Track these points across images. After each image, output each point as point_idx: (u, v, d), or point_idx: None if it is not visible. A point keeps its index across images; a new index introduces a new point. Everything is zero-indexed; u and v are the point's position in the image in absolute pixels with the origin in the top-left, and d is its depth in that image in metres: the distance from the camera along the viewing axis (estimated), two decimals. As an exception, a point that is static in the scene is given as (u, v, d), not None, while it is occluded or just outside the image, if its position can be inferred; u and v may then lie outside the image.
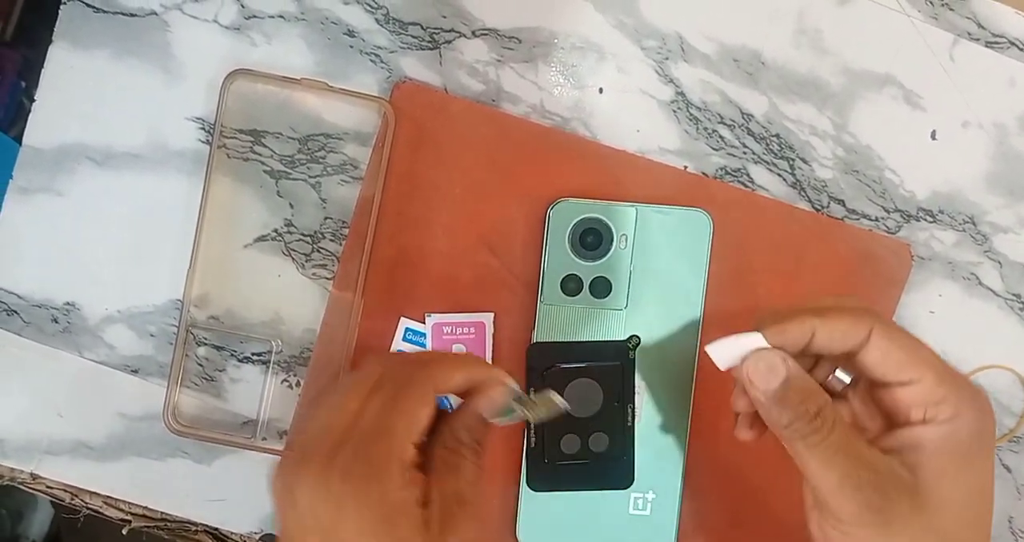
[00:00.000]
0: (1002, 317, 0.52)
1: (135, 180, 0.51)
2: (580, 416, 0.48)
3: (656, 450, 0.49)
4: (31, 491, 0.52)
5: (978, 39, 0.51)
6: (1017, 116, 0.51)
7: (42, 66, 0.51)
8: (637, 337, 0.49)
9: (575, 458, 0.48)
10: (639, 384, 0.49)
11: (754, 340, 0.38)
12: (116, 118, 0.51)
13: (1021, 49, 0.51)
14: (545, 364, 0.48)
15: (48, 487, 0.52)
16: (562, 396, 0.44)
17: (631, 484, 0.49)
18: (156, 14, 0.51)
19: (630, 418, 0.48)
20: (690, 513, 0.50)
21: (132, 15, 0.51)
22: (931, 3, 0.51)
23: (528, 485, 0.49)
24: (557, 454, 0.48)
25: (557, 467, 0.48)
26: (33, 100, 0.51)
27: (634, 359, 0.48)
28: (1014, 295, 0.52)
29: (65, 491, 0.52)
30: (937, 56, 0.51)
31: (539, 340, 0.49)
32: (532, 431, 0.48)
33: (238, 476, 0.51)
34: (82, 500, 0.52)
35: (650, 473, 0.49)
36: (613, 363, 0.48)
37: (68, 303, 0.51)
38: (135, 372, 0.51)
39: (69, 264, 0.51)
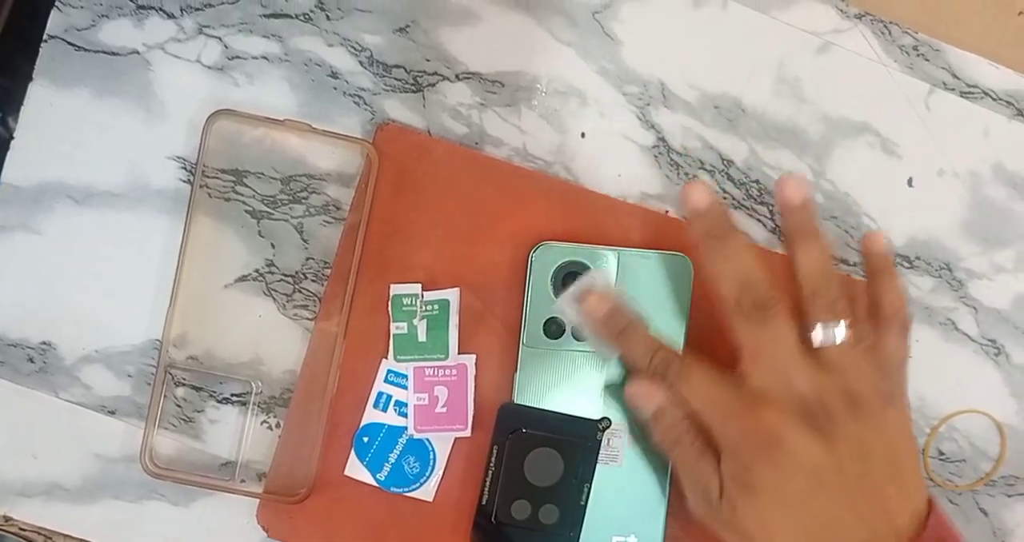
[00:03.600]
0: (978, 362, 0.52)
1: (114, 219, 0.50)
2: (537, 484, 0.48)
3: (638, 493, 0.49)
4: (3, 533, 0.51)
5: (953, 89, 0.52)
6: (991, 165, 0.52)
7: (20, 97, 0.50)
8: (608, 419, 0.49)
9: (522, 524, 0.48)
10: (621, 424, 0.49)
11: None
12: (96, 157, 0.50)
13: (995, 99, 0.52)
14: (513, 426, 0.48)
15: (21, 529, 0.51)
16: (523, 462, 0.47)
17: None
18: (138, 53, 0.51)
19: (584, 497, 0.48)
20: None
21: (114, 54, 0.51)
22: (907, 53, 0.52)
23: (471, 539, 0.49)
24: (506, 516, 0.48)
25: (502, 529, 0.48)
26: (10, 129, 0.50)
27: (601, 440, 0.49)
28: (989, 340, 0.52)
29: (39, 534, 0.51)
30: (913, 105, 0.52)
31: (517, 400, 0.49)
32: (487, 487, 0.48)
33: (216, 519, 0.51)
34: (55, 543, 0.51)
35: (631, 516, 0.49)
36: (580, 440, 0.48)
37: (44, 342, 0.50)
38: (112, 413, 0.50)
39: (46, 303, 0.51)
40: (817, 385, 0.42)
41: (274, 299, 0.51)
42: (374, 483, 0.50)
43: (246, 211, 0.50)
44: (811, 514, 0.42)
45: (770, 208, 0.52)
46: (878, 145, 0.52)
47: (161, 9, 0.51)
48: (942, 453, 0.52)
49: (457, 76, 0.51)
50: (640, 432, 0.49)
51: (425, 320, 0.49)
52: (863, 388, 0.43)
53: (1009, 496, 0.52)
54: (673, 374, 0.45)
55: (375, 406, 0.50)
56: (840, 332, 0.43)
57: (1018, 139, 0.52)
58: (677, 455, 0.45)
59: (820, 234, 0.44)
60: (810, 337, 0.43)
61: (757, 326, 0.43)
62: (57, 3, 0.50)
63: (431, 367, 0.49)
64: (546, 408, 0.49)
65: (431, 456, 0.50)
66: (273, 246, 0.50)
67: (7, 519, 0.51)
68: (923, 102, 0.52)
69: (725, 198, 0.51)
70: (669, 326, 0.49)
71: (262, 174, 0.50)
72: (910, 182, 0.52)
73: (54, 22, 0.50)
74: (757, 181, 0.52)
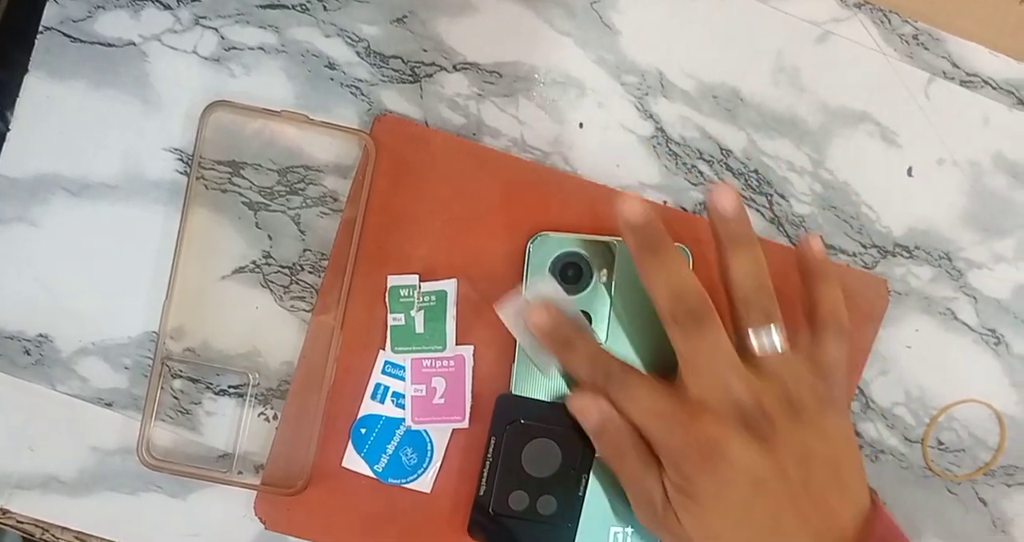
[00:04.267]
0: (977, 352, 0.52)
1: (111, 211, 0.50)
2: (534, 475, 0.48)
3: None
4: (1, 526, 0.51)
5: (953, 78, 0.52)
6: (991, 154, 0.52)
7: (15, 89, 0.50)
8: None
9: (520, 515, 0.48)
10: None
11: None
12: (92, 148, 0.50)
13: (995, 88, 0.52)
14: (511, 417, 0.48)
15: (18, 522, 0.51)
16: (521, 453, 0.47)
17: None
18: (135, 44, 0.50)
19: (582, 488, 0.48)
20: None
21: (110, 45, 0.50)
22: (907, 42, 0.51)
23: (468, 531, 0.48)
24: (503, 507, 0.48)
25: (500, 521, 0.48)
26: (6, 121, 0.50)
27: None
28: (989, 330, 0.52)
29: (36, 526, 0.51)
30: (913, 94, 0.52)
31: (515, 391, 0.48)
32: (484, 478, 0.48)
33: (213, 511, 0.51)
34: (53, 535, 0.51)
35: (629, 507, 0.49)
36: (578, 430, 0.48)
37: (41, 335, 0.50)
38: (109, 405, 0.50)
39: (42, 295, 0.50)
40: (755, 392, 0.42)
41: (271, 291, 0.50)
42: (372, 475, 0.49)
43: (243, 203, 0.50)
44: (755, 521, 0.42)
45: (768, 198, 0.51)
46: (877, 134, 0.52)
47: (157, 0, 0.50)
48: (941, 443, 0.52)
49: (455, 67, 0.51)
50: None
51: (423, 311, 0.49)
52: (802, 393, 0.43)
53: (1009, 486, 0.52)
54: (615, 386, 0.44)
55: (372, 398, 0.49)
56: (775, 337, 0.43)
57: (1018, 128, 0.52)
58: (621, 467, 0.45)
59: (753, 242, 0.44)
60: (747, 344, 0.43)
61: (693, 336, 0.43)
62: (53, -6, 0.50)
63: (429, 358, 0.49)
64: (544, 399, 0.48)
65: (428, 447, 0.49)
66: (270, 238, 0.50)
67: (4, 512, 0.51)
68: (923, 91, 0.52)
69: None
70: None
71: (259, 165, 0.50)
72: (910, 171, 0.52)
73: (50, 13, 0.50)
74: (756, 171, 0.51)
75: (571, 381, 0.48)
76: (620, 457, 0.45)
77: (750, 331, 0.43)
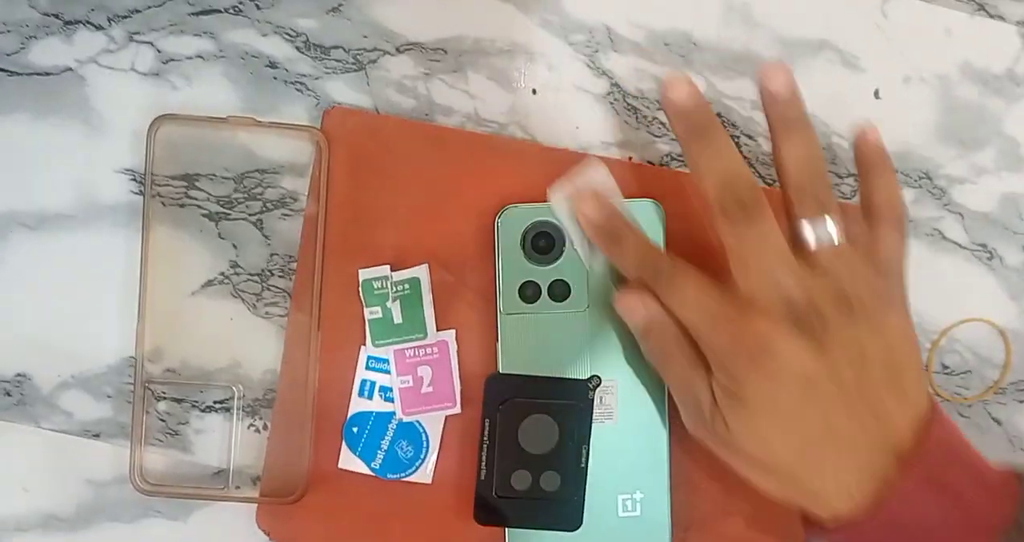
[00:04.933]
0: (970, 269, 0.51)
1: (71, 241, 0.49)
2: (534, 452, 0.47)
3: (637, 447, 0.48)
4: (6, 572, 0.50)
5: (908, -8, 0.50)
6: (958, 65, 0.50)
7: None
8: (598, 377, 0.47)
9: (524, 495, 0.47)
10: (611, 380, 0.48)
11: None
12: (44, 180, 0.50)
13: (952, -3, 0.50)
14: (503, 396, 0.47)
15: (23, 565, 0.50)
16: (517, 431, 0.46)
17: (579, 526, 0.47)
18: (71, 70, 0.50)
19: (584, 459, 0.47)
20: (681, 507, 0.48)
21: (47, 74, 0.50)
22: (854, -38, 0.50)
23: (475, 517, 0.47)
24: (507, 489, 0.47)
25: (505, 502, 0.47)
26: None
27: (593, 399, 0.47)
28: (980, 245, 0.50)
29: (42, 568, 0.51)
30: (869, 15, 0.50)
31: (502, 369, 0.47)
32: (483, 462, 0.47)
33: (216, 529, 0.50)
34: (61, 574, 0.51)
35: (635, 472, 0.48)
36: (571, 402, 0.47)
37: (19, 374, 0.50)
38: (96, 436, 0.50)
39: (14, 335, 0.50)
40: (807, 288, 0.40)
41: (243, 300, 0.49)
42: (370, 473, 0.49)
43: (202, 215, 0.49)
44: (806, 424, 0.40)
45: (736, 140, 0.50)
46: (838, 60, 0.50)
47: (88, 22, 0.50)
48: (946, 367, 0.51)
49: (398, 49, 0.50)
50: (631, 385, 0.47)
51: (398, 301, 0.48)
52: (859, 290, 0.40)
53: (1021, 402, 0.51)
54: (663, 283, 0.42)
55: (360, 395, 0.49)
56: (830, 229, 0.40)
57: (982, 35, 0.50)
58: (667, 369, 0.43)
59: (808, 126, 0.41)
60: (800, 235, 0.41)
61: (742, 227, 0.40)
62: (-19, 29, 0.49)
63: (411, 348, 0.48)
64: (533, 374, 0.47)
65: (423, 438, 0.48)
66: (235, 247, 0.49)
67: (8, 556, 0.50)
68: (879, 10, 0.50)
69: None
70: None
71: (213, 175, 0.49)
72: (877, 94, 0.50)
73: (-20, 50, 0.49)
74: (719, 114, 0.50)
75: (616, 278, 0.46)
76: (666, 358, 0.43)
77: (803, 222, 0.41)
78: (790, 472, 0.41)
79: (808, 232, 0.41)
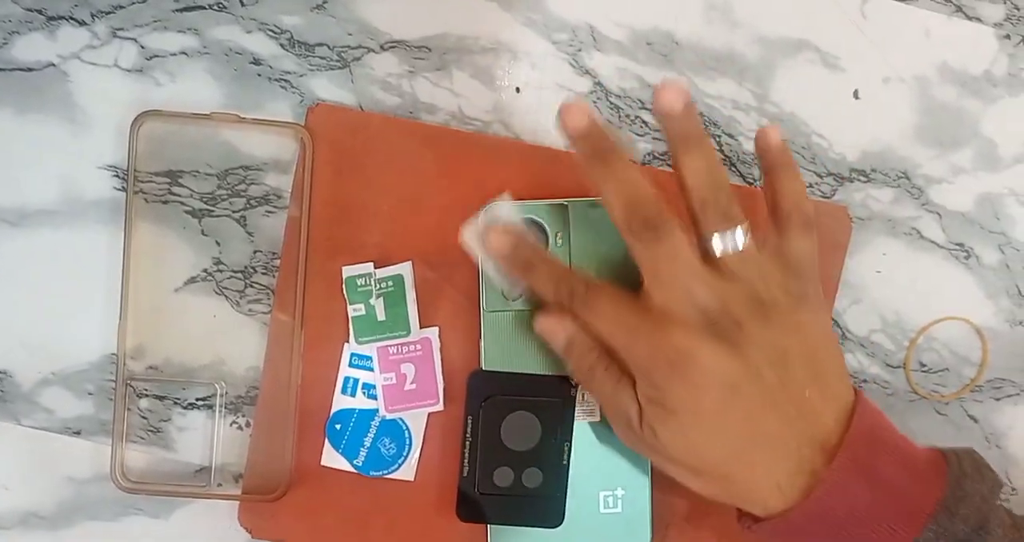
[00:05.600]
0: (948, 268, 0.51)
1: (54, 237, 0.49)
2: (516, 449, 0.47)
3: (619, 445, 0.48)
4: (-14, 570, 0.50)
5: (887, -6, 0.51)
6: (936, 66, 0.51)
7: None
8: None
9: (507, 492, 0.47)
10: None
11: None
12: (26, 176, 0.49)
13: (931, -1, 0.51)
14: (485, 393, 0.47)
15: (4, 563, 0.50)
16: (500, 428, 0.46)
17: (561, 522, 0.48)
18: (54, 65, 0.49)
19: (566, 456, 0.47)
20: (662, 504, 0.49)
21: (29, 70, 0.49)
22: (835, -37, 0.50)
23: (457, 514, 0.47)
24: (489, 485, 0.47)
25: (487, 499, 0.47)
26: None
27: (575, 396, 0.47)
28: (957, 244, 0.51)
29: (22, 565, 0.50)
30: (849, 15, 0.51)
31: (485, 366, 0.48)
32: (466, 459, 0.47)
33: (198, 526, 0.50)
34: (42, 572, 0.50)
35: (616, 469, 0.48)
36: (554, 399, 0.47)
37: (0, 371, 0.49)
38: (77, 434, 0.49)
39: (-5, 331, 0.49)
40: (720, 295, 0.40)
41: (227, 297, 0.49)
42: (352, 470, 0.49)
43: (186, 211, 0.49)
44: (733, 428, 0.41)
45: (717, 139, 0.50)
46: (819, 60, 0.51)
47: (71, 18, 0.49)
48: (924, 365, 0.51)
49: (382, 46, 0.50)
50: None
51: (382, 298, 0.48)
52: (772, 291, 0.41)
53: (997, 399, 0.51)
54: (579, 302, 0.43)
55: (343, 392, 0.49)
56: (739, 238, 0.41)
57: (960, 36, 0.51)
58: (593, 385, 0.44)
59: (705, 140, 0.42)
60: (708, 247, 0.41)
61: (651, 244, 0.41)
62: (-38, 25, 0.49)
63: (394, 345, 0.48)
64: (516, 371, 0.47)
65: (406, 435, 0.49)
66: (218, 244, 0.49)
67: (-12, 554, 0.50)
68: (859, 11, 0.51)
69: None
70: (629, 270, 0.48)
71: (197, 172, 0.49)
72: (856, 94, 0.51)
73: (-38, 45, 0.49)
74: (701, 114, 0.50)
75: (537, 303, 0.47)
76: (591, 375, 0.44)
77: (714, 234, 0.41)
78: (721, 474, 0.41)
79: (716, 243, 0.41)
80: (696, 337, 0.40)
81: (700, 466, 0.42)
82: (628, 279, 0.47)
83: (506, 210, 0.46)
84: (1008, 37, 0.51)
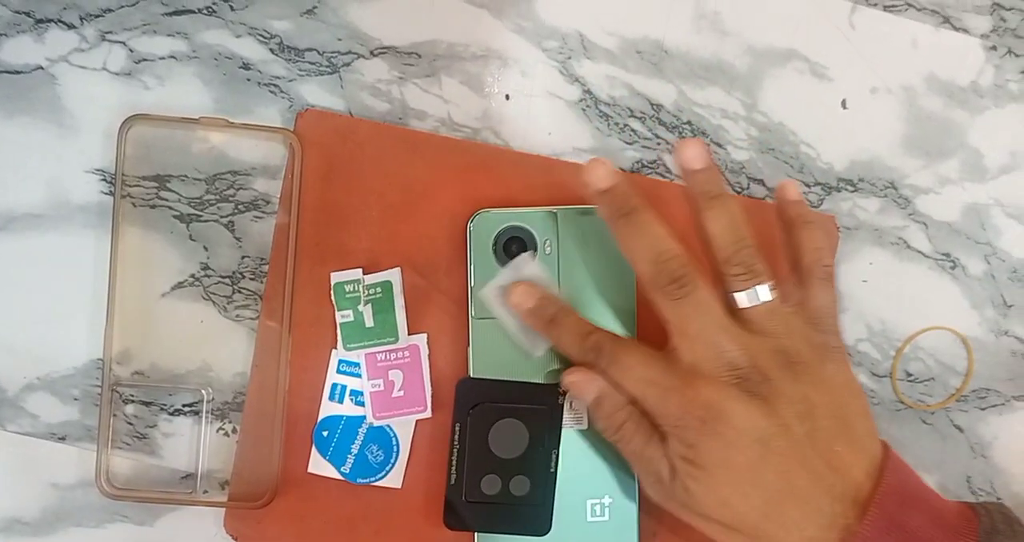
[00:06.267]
0: (934, 278, 0.51)
1: (40, 241, 0.49)
2: (503, 457, 0.47)
3: (607, 453, 0.48)
4: (-31, 576, 0.50)
5: (875, 4, 0.51)
6: (924, 77, 0.51)
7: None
8: None
9: (494, 500, 0.47)
10: None
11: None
12: (13, 179, 0.49)
13: (919, 9, 0.51)
14: (473, 401, 0.47)
15: (-13, 570, 0.50)
16: (487, 436, 0.46)
17: (548, 531, 0.47)
18: (42, 68, 0.49)
19: (554, 464, 0.47)
20: (649, 513, 0.49)
21: (17, 72, 0.49)
22: (824, -26, 0.51)
23: (444, 522, 0.47)
24: (476, 493, 0.47)
25: (475, 507, 0.47)
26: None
27: (563, 404, 0.47)
28: (943, 255, 0.51)
29: (5, 572, 0.50)
30: (837, 25, 0.51)
31: (473, 373, 0.47)
32: (454, 467, 0.47)
33: (183, 533, 0.49)
34: (25, 578, 0.50)
35: (604, 477, 0.48)
36: (542, 407, 0.47)
37: (-16, 376, 0.49)
38: (62, 439, 0.49)
39: (-20, 336, 0.49)
40: (748, 350, 0.41)
41: (214, 302, 0.49)
42: (339, 477, 0.48)
43: (173, 216, 0.49)
44: (765, 483, 0.41)
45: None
46: (807, 70, 0.51)
47: (60, 21, 0.49)
48: (910, 374, 0.51)
49: (372, 52, 0.50)
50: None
51: (370, 305, 0.48)
52: (797, 345, 0.42)
53: (983, 409, 0.52)
54: (606, 358, 0.43)
55: (331, 398, 0.48)
56: (764, 293, 0.42)
57: (947, 47, 0.51)
58: (623, 442, 0.44)
59: (726, 195, 0.43)
60: (733, 302, 0.42)
61: (678, 301, 0.41)
62: (-50, 27, 0.49)
63: (382, 352, 0.48)
64: (504, 378, 0.47)
65: (394, 442, 0.48)
66: (206, 249, 0.49)
67: (-29, 560, 0.50)
68: (847, 21, 0.51)
69: (659, 143, 0.50)
70: (618, 278, 0.48)
71: (185, 176, 0.49)
72: (844, 104, 0.51)
73: (-51, 47, 0.49)
74: (689, 123, 0.50)
75: (564, 358, 0.47)
76: (619, 431, 0.44)
77: (736, 289, 0.42)
78: (754, 530, 0.41)
79: (743, 298, 0.42)
80: (726, 393, 0.41)
81: (733, 522, 0.41)
82: (617, 287, 0.47)
83: (530, 265, 0.46)
84: (995, 48, 0.51)
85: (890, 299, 0.51)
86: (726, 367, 0.41)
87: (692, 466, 0.41)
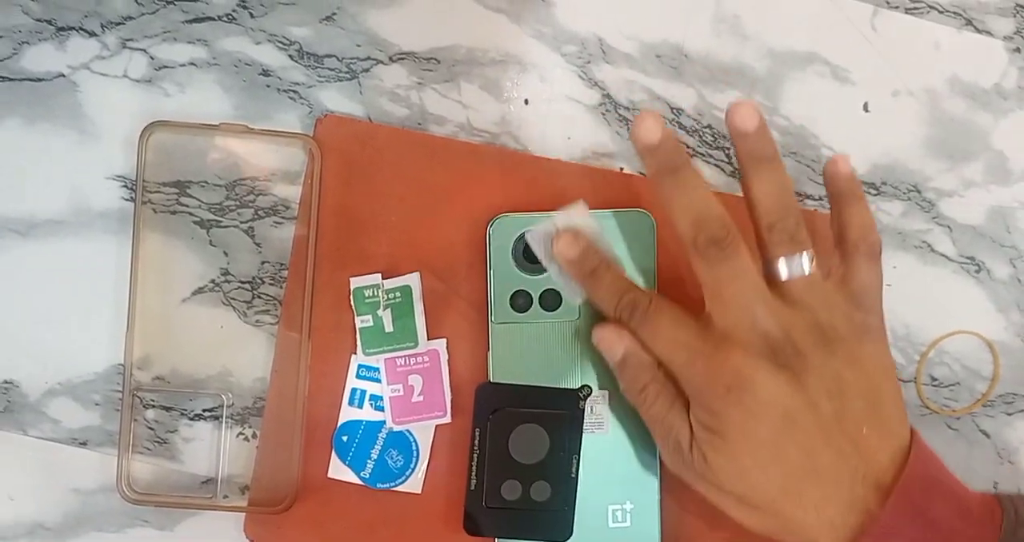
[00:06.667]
0: (958, 281, 0.51)
1: (61, 247, 0.49)
2: (524, 462, 0.47)
3: (628, 458, 0.48)
4: (-8, 581, 0.50)
5: (897, 7, 0.51)
6: (947, 79, 0.51)
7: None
8: (589, 387, 0.47)
9: (514, 505, 0.47)
10: (602, 390, 0.48)
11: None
12: (35, 186, 0.49)
13: (941, 12, 0.51)
14: (493, 406, 0.47)
15: (9, 575, 0.50)
16: (507, 441, 0.46)
17: (569, 536, 0.47)
18: (64, 75, 0.49)
19: (574, 469, 0.47)
20: (670, 518, 0.48)
21: (39, 80, 0.49)
22: (845, -24, 0.50)
23: (464, 527, 0.47)
24: (497, 499, 0.47)
25: (495, 512, 0.47)
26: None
27: (583, 409, 0.47)
28: (968, 258, 0.51)
29: (27, 577, 0.50)
30: (859, 28, 0.51)
31: (493, 378, 0.47)
32: (474, 472, 0.47)
33: (203, 538, 0.49)
34: (47, 584, 0.50)
35: (625, 483, 0.48)
36: (562, 411, 0.47)
37: (6, 381, 0.49)
38: (84, 444, 0.49)
39: (2, 341, 0.49)
40: (783, 321, 0.40)
41: (234, 308, 0.49)
42: (359, 482, 0.48)
43: (194, 222, 0.49)
44: (786, 458, 0.40)
45: (726, 152, 0.50)
46: (828, 73, 0.50)
47: (81, 29, 0.49)
48: (935, 379, 0.51)
49: (391, 58, 0.50)
50: (622, 395, 0.47)
51: (389, 309, 0.48)
52: (835, 321, 0.41)
53: (1009, 414, 0.51)
54: (638, 317, 0.42)
55: (350, 403, 0.48)
56: (805, 263, 0.41)
57: (970, 49, 0.51)
58: (644, 404, 0.43)
59: (778, 161, 0.42)
60: (774, 271, 0.41)
61: (716, 263, 0.40)
62: (-26, 36, 0.49)
63: (402, 357, 0.48)
64: (524, 383, 0.47)
65: (414, 447, 0.48)
66: (226, 254, 0.49)
67: (-6, 565, 0.50)
68: (869, 24, 0.51)
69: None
70: (637, 282, 0.48)
71: (205, 182, 0.49)
72: (866, 107, 0.51)
73: (-27, 56, 0.49)
74: (710, 126, 0.50)
75: (598, 311, 0.46)
76: (643, 393, 0.43)
77: (780, 258, 0.41)
78: (771, 506, 0.41)
79: (782, 266, 0.41)
80: (756, 363, 0.40)
81: (749, 496, 0.41)
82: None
83: (581, 215, 0.45)
84: (1018, 50, 0.51)
85: (914, 303, 0.50)
86: (758, 336, 0.40)
87: (713, 434, 0.40)
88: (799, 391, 0.40)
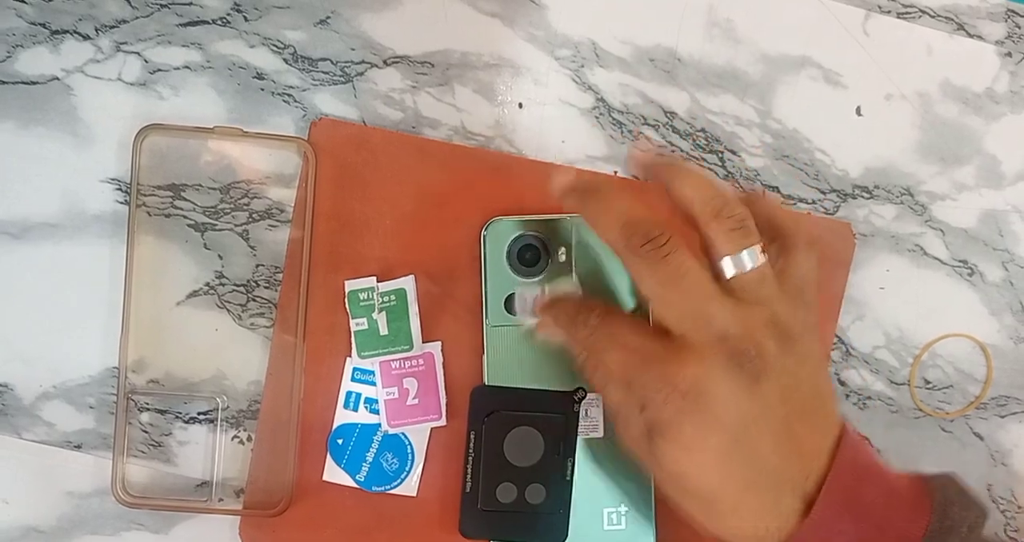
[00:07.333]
0: (952, 285, 0.51)
1: (56, 250, 0.49)
2: (519, 465, 0.47)
3: (623, 462, 0.48)
4: (-15, 585, 0.50)
5: (889, 11, 0.51)
6: (939, 83, 0.51)
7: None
8: (583, 389, 0.47)
9: (509, 508, 0.47)
10: (597, 395, 0.48)
11: None
12: (29, 189, 0.49)
13: (933, 16, 0.51)
14: (488, 409, 0.47)
15: (3, 578, 0.50)
16: (502, 444, 0.46)
17: (564, 539, 0.47)
18: (58, 79, 0.49)
19: (569, 472, 0.47)
20: (665, 522, 0.48)
21: (33, 83, 0.49)
22: (837, -19, 0.51)
23: (460, 530, 0.47)
24: (492, 502, 0.47)
25: (490, 515, 0.47)
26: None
27: (579, 412, 0.47)
28: (960, 261, 0.51)
29: (21, 580, 0.50)
30: (851, 32, 0.51)
31: (488, 381, 0.48)
32: (469, 475, 0.47)
33: (198, 541, 0.49)
34: (41, 588, 0.50)
35: (620, 486, 0.48)
36: (557, 414, 0.47)
37: (0, 384, 0.49)
38: (78, 447, 0.49)
39: (-3, 344, 0.49)
40: (741, 319, 0.38)
41: (228, 311, 0.49)
42: (354, 485, 0.48)
43: (188, 225, 0.49)
44: (736, 467, 0.38)
45: (720, 155, 0.50)
46: (821, 77, 0.51)
47: (76, 32, 0.49)
48: (928, 382, 0.51)
49: (385, 62, 0.50)
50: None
51: (384, 312, 0.48)
52: (786, 316, 0.39)
53: (1002, 417, 0.51)
54: (592, 325, 0.41)
55: (345, 406, 0.48)
56: (757, 255, 0.38)
57: (962, 53, 0.51)
58: (604, 400, 0.43)
59: (689, 166, 0.40)
60: (720, 266, 0.38)
61: (657, 263, 0.37)
62: (-33, 39, 0.49)
63: (397, 360, 0.48)
64: (519, 386, 0.47)
65: (409, 450, 0.48)
66: (221, 257, 0.49)
67: (-13, 569, 0.50)
68: (861, 28, 0.51)
69: (672, 150, 0.50)
70: (633, 286, 0.48)
71: (200, 185, 0.49)
72: (858, 111, 0.51)
73: (-33, 58, 0.49)
74: (703, 130, 0.50)
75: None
76: (603, 392, 0.41)
77: (726, 250, 0.38)
78: (714, 502, 0.39)
79: (735, 261, 0.38)
80: (712, 369, 0.37)
81: (694, 491, 0.40)
82: (631, 294, 0.47)
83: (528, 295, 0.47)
84: (1009, 55, 0.51)
85: (907, 306, 0.51)
86: (716, 337, 0.37)
87: (664, 439, 0.38)
88: (755, 397, 0.38)
